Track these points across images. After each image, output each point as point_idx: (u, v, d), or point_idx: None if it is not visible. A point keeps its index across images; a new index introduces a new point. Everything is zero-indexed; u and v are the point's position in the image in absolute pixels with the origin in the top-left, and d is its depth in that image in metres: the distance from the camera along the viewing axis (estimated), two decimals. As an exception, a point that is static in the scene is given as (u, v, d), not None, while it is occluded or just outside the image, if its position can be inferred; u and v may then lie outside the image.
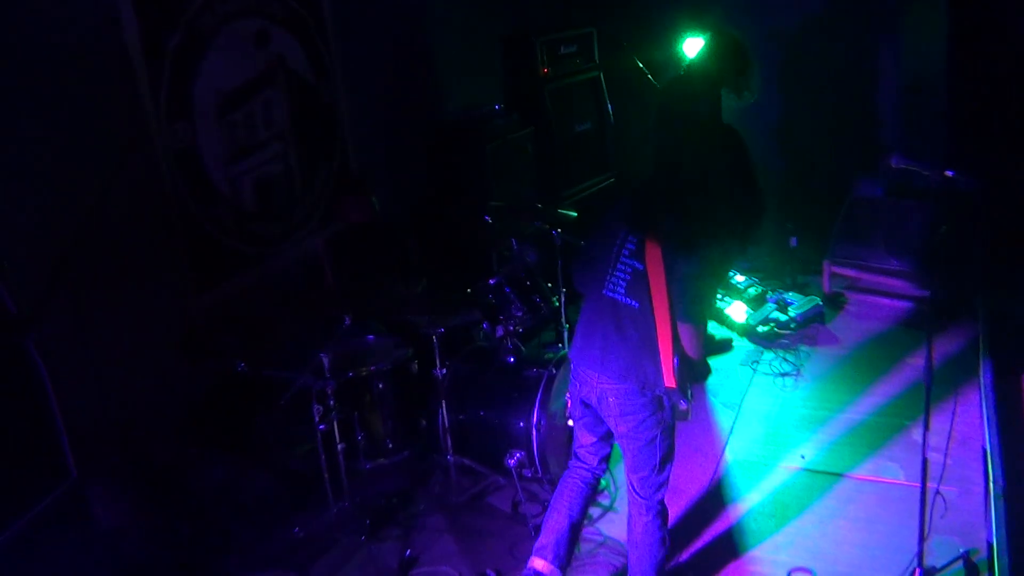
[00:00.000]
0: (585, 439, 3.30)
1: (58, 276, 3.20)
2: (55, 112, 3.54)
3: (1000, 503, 3.30)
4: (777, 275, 6.24)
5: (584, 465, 3.35)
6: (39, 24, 3.46)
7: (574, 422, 3.32)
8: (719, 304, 5.72)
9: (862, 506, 3.86)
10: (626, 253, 2.96)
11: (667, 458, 3.13)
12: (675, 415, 3.04)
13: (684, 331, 2.87)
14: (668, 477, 3.16)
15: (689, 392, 2.99)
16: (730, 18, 6.35)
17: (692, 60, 4.75)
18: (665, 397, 2.98)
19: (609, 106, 6.45)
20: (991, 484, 3.44)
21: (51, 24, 3.50)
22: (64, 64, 3.56)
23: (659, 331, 2.87)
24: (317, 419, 3.59)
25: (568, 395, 3.32)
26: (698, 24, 5.72)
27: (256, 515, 3.87)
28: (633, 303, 2.94)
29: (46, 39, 3.49)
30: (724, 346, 5.43)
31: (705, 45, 4.56)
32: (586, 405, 3.19)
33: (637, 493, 3.16)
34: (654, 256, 2.83)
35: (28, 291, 3.07)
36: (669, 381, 2.90)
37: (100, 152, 3.69)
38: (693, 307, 2.84)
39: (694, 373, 3.03)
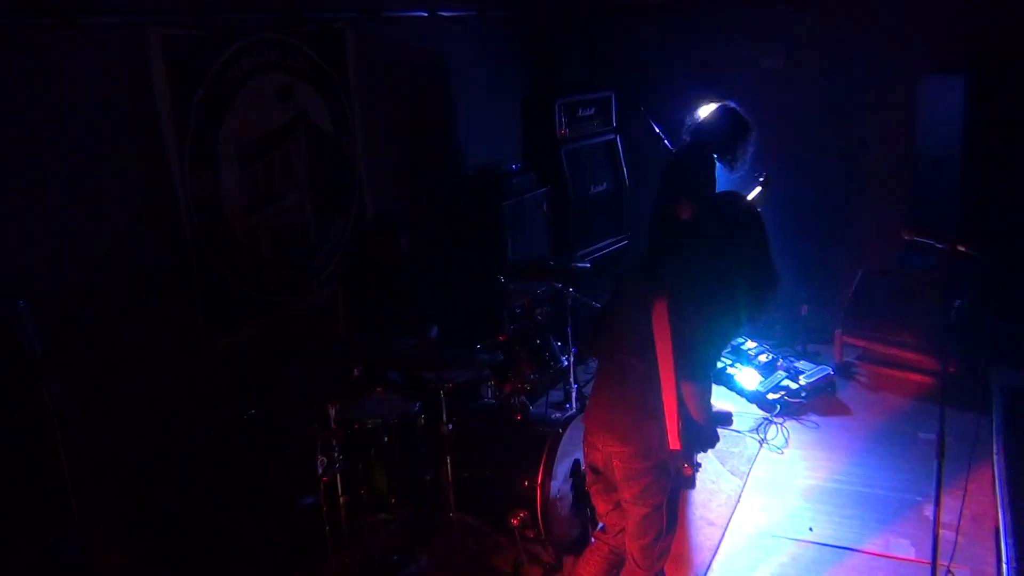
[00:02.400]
0: (601, 507, 3.26)
1: (73, 318, 3.23)
2: (79, 156, 3.61)
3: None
4: (788, 342, 6.23)
5: (605, 537, 3.31)
6: (69, 70, 3.56)
7: (590, 489, 3.29)
8: (728, 370, 5.70)
9: (871, 582, 3.79)
10: (634, 314, 2.96)
11: (670, 526, 3.08)
12: (680, 481, 3.01)
13: (688, 390, 2.84)
14: (669, 546, 3.12)
15: (695, 458, 2.96)
16: (745, 92, 6.46)
17: (693, 128, 4.94)
18: (670, 462, 2.95)
19: (625, 169, 6.52)
20: (1004, 564, 3.37)
21: (81, 70, 3.60)
22: (91, 109, 3.65)
23: (664, 393, 2.85)
24: (321, 470, 3.56)
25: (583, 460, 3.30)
26: (714, 93, 5.83)
27: (258, 565, 3.83)
28: (637, 363, 2.93)
29: (75, 84, 3.59)
30: (724, 419, 5.35)
31: (705, 114, 4.88)
32: (595, 471, 3.17)
33: (636, 563, 3.11)
34: (660, 316, 2.84)
35: (43, 332, 3.09)
36: (674, 444, 2.87)
37: (123, 197, 3.76)
38: (698, 367, 2.82)
39: (701, 440, 3.00)
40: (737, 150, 4.78)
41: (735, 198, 3.02)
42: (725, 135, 4.75)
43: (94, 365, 3.63)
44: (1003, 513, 3.74)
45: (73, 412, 3.45)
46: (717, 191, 5.07)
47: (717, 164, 4.90)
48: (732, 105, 4.84)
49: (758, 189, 4.92)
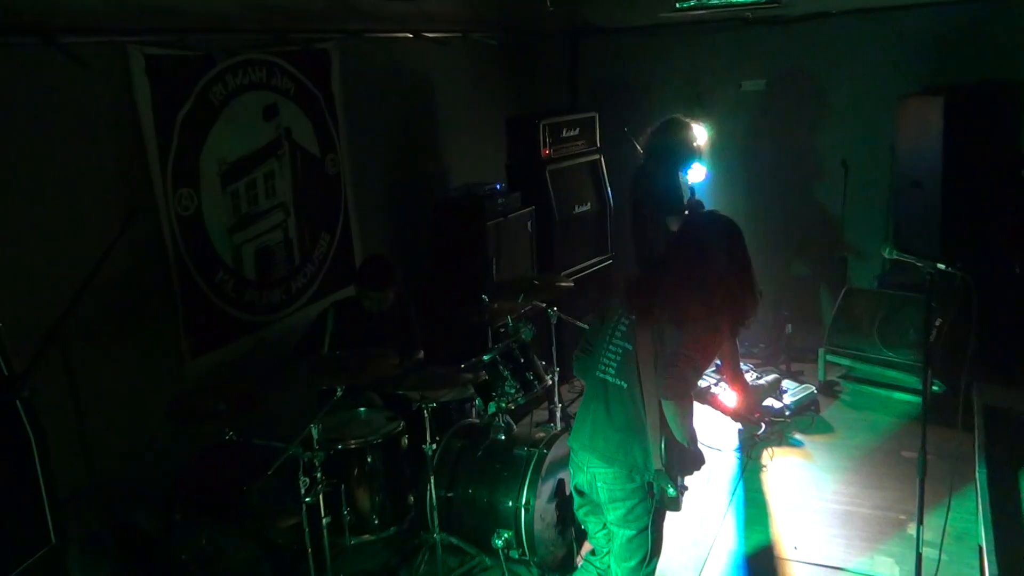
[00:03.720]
0: (592, 527, 3.25)
1: (52, 336, 3.20)
2: (60, 174, 3.60)
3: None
4: (772, 362, 6.25)
5: (594, 559, 3.30)
6: (52, 88, 3.54)
7: (579, 511, 3.27)
8: (711, 389, 5.71)
9: (855, 601, 3.79)
10: (618, 335, 2.97)
11: (656, 549, 3.07)
12: (666, 503, 2.99)
13: (670, 410, 2.82)
14: (654, 570, 3.10)
15: (680, 479, 2.94)
16: (730, 111, 6.54)
17: (648, 145, 5.33)
18: (654, 484, 2.94)
19: (609, 189, 6.55)
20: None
21: (63, 89, 3.59)
22: (74, 128, 3.64)
23: (647, 413, 2.85)
24: (303, 491, 3.53)
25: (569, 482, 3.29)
26: (697, 114, 5.90)
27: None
28: (622, 383, 2.93)
29: (58, 103, 3.58)
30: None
31: (657, 131, 5.27)
32: (580, 492, 3.16)
33: None
34: (644, 336, 2.84)
35: (20, 350, 3.06)
36: (657, 464, 2.86)
37: (105, 215, 3.74)
38: (675, 385, 2.79)
39: (686, 462, 2.98)
40: (692, 158, 5.28)
41: (715, 216, 3.03)
42: (679, 146, 5.20)
43: (73, 386, 3.59)
44: (986, 531, 3.75)
45: (51, 433, 3.42)
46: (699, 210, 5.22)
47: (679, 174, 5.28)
48: (679, 117, 5.26)
49: None
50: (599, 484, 3.00)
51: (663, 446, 2.84)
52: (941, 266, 2.93)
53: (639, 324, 2.87)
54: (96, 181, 3.75)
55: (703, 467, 3.06)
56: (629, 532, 3.00)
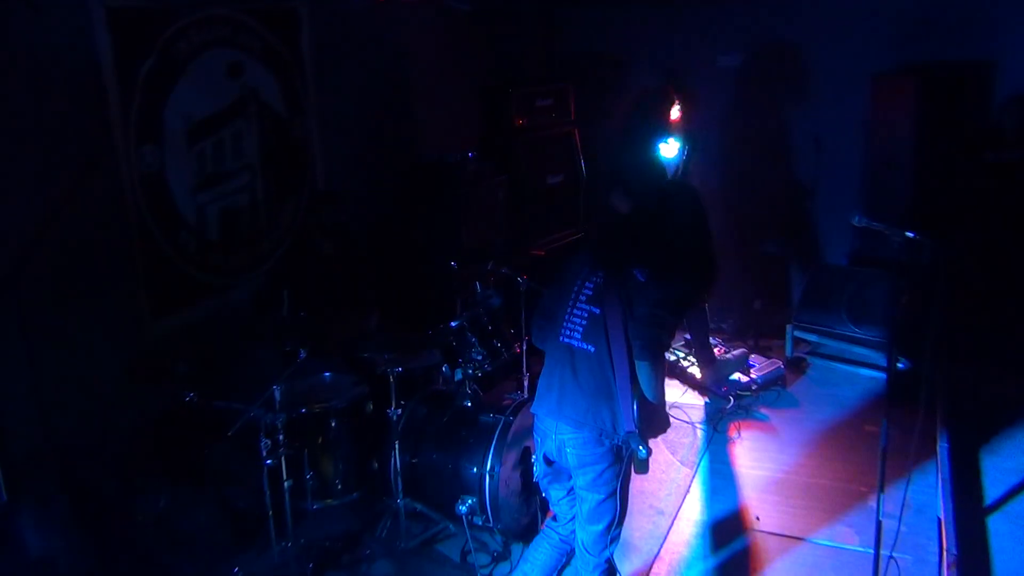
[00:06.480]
0: (555, 494, 3.23)
1: (6, 295, 3.11)
2: (16, 126, 3.48)
3: (953, 571, 3.28)
4: (740, 337, 6.27)
5: (556, 525, 3.29)
6: (6, 38, 3.42)
7: (542, 480, 3.24)
8: (680, 362, 5.73)
9: (817, 570, 3.81)
10: (583, 298, 2.95)
11: (623, 513, 3.07)
12: (635, 465, 2.98)
13: (641, 371, 2.83)
14: (619, 534, 3.10)
15: (647, 443, 2.94)
16: (703, 87, 6.52)
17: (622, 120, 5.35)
18: (624, 447, 2.93)
19: (583, 161, 6.50)
20: (945, 551, 3.43)
21: (19, 39, 3.47)
22: (29, 79, 3.52)
23: (616, 375, 2.84)
24: (264, 453, 3.48)
25: (534, 450, 3.27)
26: (673, 87, 5.88)
27: (197, 551, 3.73)
28: (589, 347, 2.91)
29: (13, 54, 3.46)
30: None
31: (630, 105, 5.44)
32: (548, 461, 3.14)
33: (587, 551, 3.09)
34: (611, 299, 2.82)
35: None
36: (628, 425, 2.85)
37: (62, 169, 3.63)
38: (650, 346, 2.81)
39: (653, 424, 2.98)
40: (665, 133, 5.47)
41: (678, 186, 3.03)
42: (651, 121, 5.40)
43: (29, 345, 3.51)
44: (944, 502, 3.81)
45: (5, 392, 3.35)
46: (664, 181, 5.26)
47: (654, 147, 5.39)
48: (652, 91, 5.52)
49: None
50: (568, 450, 2.99)
51: (635, 408, 2.83)
52: (909, 234, 2.92)
53: (606, 283, 2.85)
54: (54, 133, 3.63)
55: (667, 429, 3.07)
56: (598, 496, 3.00)
